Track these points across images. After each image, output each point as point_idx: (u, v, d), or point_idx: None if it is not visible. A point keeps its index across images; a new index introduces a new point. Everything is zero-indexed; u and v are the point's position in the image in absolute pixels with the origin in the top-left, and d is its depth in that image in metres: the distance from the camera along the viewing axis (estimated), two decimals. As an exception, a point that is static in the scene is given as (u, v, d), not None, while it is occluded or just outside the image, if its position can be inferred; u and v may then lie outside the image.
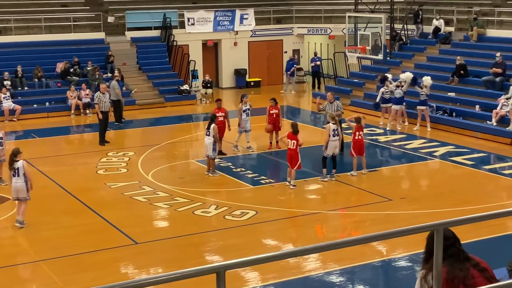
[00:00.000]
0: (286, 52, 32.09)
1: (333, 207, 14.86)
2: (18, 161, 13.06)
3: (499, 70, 22.22)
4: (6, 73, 25.62)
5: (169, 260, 11.76)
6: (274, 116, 19.12)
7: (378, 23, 24.89)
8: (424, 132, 21.46)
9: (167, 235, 13.17)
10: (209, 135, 16.67)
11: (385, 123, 22.33)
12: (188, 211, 14.21)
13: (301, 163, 15.62)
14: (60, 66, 26.92)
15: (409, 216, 13.68)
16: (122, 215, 14.19)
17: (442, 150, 19.29)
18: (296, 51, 33.03)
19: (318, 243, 3.56)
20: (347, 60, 28.23)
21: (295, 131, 15.57)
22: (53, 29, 28.56)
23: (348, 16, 26.49)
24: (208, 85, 28.43)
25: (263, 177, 16.83)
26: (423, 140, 20.61)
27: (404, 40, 28.35)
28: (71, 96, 25.26)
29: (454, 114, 22.08)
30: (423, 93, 21.52)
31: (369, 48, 25.20)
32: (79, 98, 25.31)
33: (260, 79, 31.87)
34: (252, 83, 31.54)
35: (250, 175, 17.09)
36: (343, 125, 18.29)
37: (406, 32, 28.40)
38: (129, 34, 29.33)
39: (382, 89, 22.49)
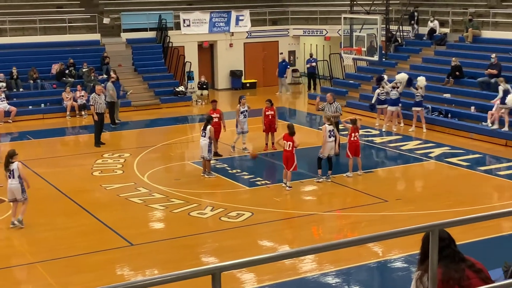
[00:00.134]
0: (282, 53, 32.12)
1: (329, 209, 14.87)
2: (13, 162, 13.07)
3: (495, 71, 22.27)
4: (1, 75, 25.57)
5: (164, 262, 11.74)
6: (270, 117, 19.12)
7: (374, 25, 24.93)
8: (419, 133, 21.49)
9: (162, 236, 13.16)
10: (204, 136, 16.66)
11: (380, 124, 22.36)
12: (183, 213, 14.20)
13: (297, 164, 15.62)
14: (55, 68, 26.88)
15: (404, 217, 13.69)
16: (118, 216, 14.17)
17: (437, 151, 19.32)
18: (291, 53, 33.07)
19: (314, 245, 3.56)
20: (343, 61, 28.26)
21: (291, 133, 15.57)
22: (48, 30, 28.52)
23: (344, 18, 26.53)
24: (204, 86, 28.42)
25: (259, 178, 16.83)
26: (418, 141, 20.64)
27: (400, 42, 28.41)
28: (67, 97, 25.23)
29: (449, 115, 22.12)
30: (418, 94, 21.56)
31: (365, 49, 25.23)
32: (75, 100, 25.27)
33: (256, 81, 31.87)
34: (247, 85, 31.55)
35: (246, 177, 17.08)
36: (340, 126, 18.30)
37: (401, 33, 28.46)
38: (125, 36, 29.31)
39: (377, 90, 22.52)
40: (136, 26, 29.63)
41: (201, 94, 28.22)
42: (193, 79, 29.86)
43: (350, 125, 16.84)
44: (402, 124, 22.29)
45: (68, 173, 17.63)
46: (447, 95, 23.43)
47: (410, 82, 22.18)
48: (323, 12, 32.46)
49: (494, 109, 20.58)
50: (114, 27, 29.71)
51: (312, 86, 30.79)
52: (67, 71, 26.76)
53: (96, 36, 28.86)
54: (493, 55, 22.76)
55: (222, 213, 14.08)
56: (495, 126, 20.29)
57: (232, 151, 19.10)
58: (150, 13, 30.04)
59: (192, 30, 30.37)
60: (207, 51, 31.43)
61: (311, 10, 32.94)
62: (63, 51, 27.67)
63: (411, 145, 20.24)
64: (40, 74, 26.48)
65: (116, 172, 17.55)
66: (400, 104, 22.01)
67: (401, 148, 19.92)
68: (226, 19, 31.00)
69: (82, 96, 25.28)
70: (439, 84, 24.17)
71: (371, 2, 27.40)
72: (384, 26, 27.17)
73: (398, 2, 30.05)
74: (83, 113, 25.11)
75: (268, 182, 16.56)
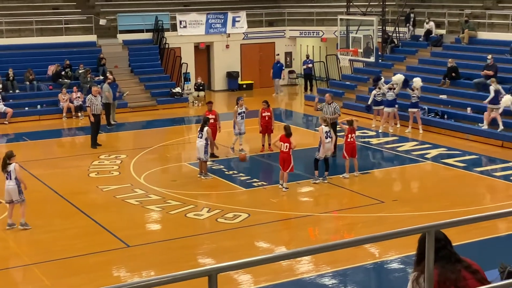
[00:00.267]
0: (278, 54, 32.14)
1: (326, 210, 14.88)
2: (11, 164, 13.08)
3: (491, 73, 22.31)
4: (-3, 76, 25.56)
5: (161, 263, 11.73)
6: (267, 118, 19.12)
7: (370, 26, 24.95)
8: (416, 134, 21.52)
9: (159, 238, 13.14)
10: (201, 138, 16.66)
11: (377, 126, 22.38)
12: (180, 214, 14.19)
13: (293, 165, 15.63)
14: (51, 69, 26.85)
15: (401, 218, 13.70)
16: (114, 218, 14.15)
17: (434, 152, 19.34)
18: (288, 54, 33.10)
19: (310, 246, 3.56)
20: (339, 62, 28.29)
21: (287, 134, 15.57)
22: (45, 31, 28.48)
23: (340, 19, 26.55)
24: (200, 87, 28.42)
25: (255, 179, 16.83)
26: (415, 142, 20.67)
27: (396, 43, 28.45)
28: (63, 99, 25.20)
29: (445, 116, 22.16)
30: (414, 95, 21.59)
31: (361, 50, 25.25)
32: (71, 101, 25.25)
33: (252, 82, 31.88)
34: (244, 86, 31.56)
35: (242, 178, 17.08)
36: (337, 127, 18.31)
37: (397, 34, 28.50)
38: (121, 37, 29.29)
39: (374, 92, 22.55)
40: (133, 28, 29.62)
41: (198, 96, 28.22)
42: (189, 81, 29.84)
43: (347, 126, 16.86)
44: (398, 125, 22.32)
45: (64, 174, 17.61)
46: (443, 96, 23.46)
47: (406, 83, 22.22)
48: (319, 13, 32.48)
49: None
50: (111, 28, 29.70)
51: (308, 88, 30.81)
52: (63, 73, 26.73)
53: (92, 38, 28.84)
54: (489, 56, 22.81)
55: (219, 214, 14.08)
56: (485, 126, 20.36)
57: (232, 153, 19.11)
58: (147, 14, 30.03)
59: (189, 31, 30.37)
60: (203, 52, 31.42)
61: (308, 12, 32.96)
62: (60, 53, 27.64)
63: (407, 146, 20.27)
64: (36, 75, 26.45)
65: (112, 173, 17.53)
66: (396, 105, 22.05)
67: (398, 149, 19.94)
68: (222, 20, 31.00)
69: (78, 97, 25.26)
70: (435, 85, 24.21)
71: (367, 3, 27.43)
72: (381, 27, 27.21)
73: (394, 3, 30.09)
74: (79, 114, 25.09)
75: (264, 183, 16.56)
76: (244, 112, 19.12)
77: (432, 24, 27.56)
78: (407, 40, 28.60)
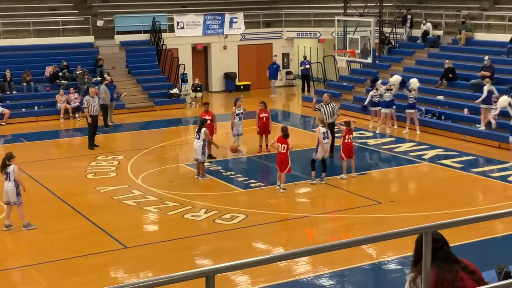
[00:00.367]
0: (275, 55, 32.16)
1: (323, 211, 14.89)
2: (10, 165, 13.09)
3: (487, 74, 22.34)
4: (-5, 77, 25.53)
5: (158, 264, 11.73)
6: (264, 119, 19.13)
7: (367, 27, 24.98)
8: (413, 135, 21.54)
9: (156, 239, 13.13)
10: (198, 139, 16.66)
11: (374, 127, 22.40)
12: (178, 215, 14.18)
13: (291, 166, 15.63)
14: (49, 70, 26.83)
15: (398, 219, 13.71)
16: (112, 219, 14.14)
17: (431, 153, 19.37)
18: (285, 55, 33.11)
19: (308, 247, 3.56)
20: (337, 63, 28.32)
21: (285, 135, 15.58)
22: (42, 33, 28.45)
23: (337, 20, 26.57)
24: (198, 88, 28.42)
25: (253, 180, 16.83)
26: (412, 143, 20.69)
27: (393, 44, 28.48)
28: (60, 100, 25.18)
29: (443, 117, 22.18)
30: (411, 96, 21.62)
31: (358, 51, 25.28)
32: (68, 102, 25.23)
33: (250, 83, 31.89)
34: (241, 87, 31.56)
35: (240, 179, 17.08)
36: (335, 128, 18.32)
37: (395, 35, 28.53)
38: (119, 38, 29.28)
39: (371, 92, 22.58)
40: (130, 29, 29.60)
41: (195, 97, 28.21)
42: (187, 82, 29.85)
43: (344, 127, 16.87)
44: (395, 126, 22.35)
45: (61, 175, 17.59)
46: (441, 97, 23.50)
47: (403, 84, 22.24)
48: (316, 14, 32.51)
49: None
50: (108, 30, 29.68)
51: (306, 88, 30.81)
52: (60, 74, 26.70)
53: (89, 39, 28.82)
54: (486, 57, 22.85)
55: (216, 215, 14.08)
56: (482, 127, 20.43)
57: (234, 154, 19.13)
58: (144, 15, 30.02)
59: (186, 32, 30.36)
60: (201, 53, 31.43)
61: (305, 13, 32.99)
62: (57, 54, 27.62)
63: (404, 147, 20.29)
64: (33, 76, 26.42)
65: (110, 174, 17.52)
66: (394, 106, 22.07)
67: (395, 150, 19.96)
68: (220, 21, 31.01)
69: (76, 98, 25.24)
70: (433, 86, 24.24)
71: (364, 4, 27.46)
72: (378, 28, 27.23)
73: (391, 4, 30.12)
74: (76, 115, 25.07)
75: (262, 184, 16.56)
76: (242, 113, 19.12)
77: (429, 25, 27.59)
78: (404, 41, 28.63)
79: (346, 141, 16.77)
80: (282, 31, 32.84)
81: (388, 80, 23.13)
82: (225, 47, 31.48)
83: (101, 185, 16.42)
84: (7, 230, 13.29)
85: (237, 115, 19.03)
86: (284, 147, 15.50)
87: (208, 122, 18.13)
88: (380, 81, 22.85)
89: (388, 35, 28.32)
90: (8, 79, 25.78)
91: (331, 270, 11.24)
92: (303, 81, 31.08)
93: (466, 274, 4.34)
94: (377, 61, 26.81)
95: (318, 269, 11.29)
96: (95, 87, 22.26)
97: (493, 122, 20.13)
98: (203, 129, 16.71)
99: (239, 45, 31.85)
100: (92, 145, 20.16)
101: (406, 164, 18.63)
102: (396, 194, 16.28)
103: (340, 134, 17.52)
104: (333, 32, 28.10)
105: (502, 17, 26.45)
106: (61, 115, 25.00)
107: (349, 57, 26.02)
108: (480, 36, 26.18)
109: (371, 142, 21.01)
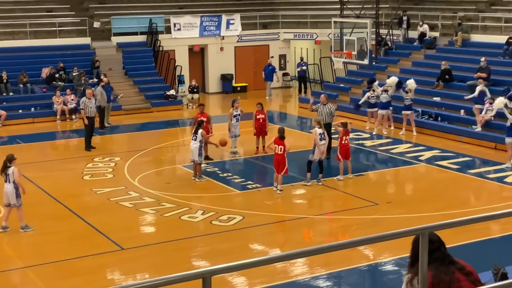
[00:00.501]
0: (272, 57, 32.16)
1: (320, 212, 14.90)
2: (10, 167, 13.11)
3: (484, 75, 22.39)
4: (-9, 79, 25.48)
5: (155, 266, 11.72)
6: (261, 121, 19.13)
7: (364, 28, 25.01)
8: (409, 136, 21.57)
9: (153, 240, 13.13)
10: (195, 140, 16.66)
11: (371, 128, 22.42)
12: (174, 216, 14.18)
13: (288, 168, 15.64)
14: (45, 72, 26.79)
15: (395, 220, 13.73)
16: (108, 220, 14.13)
17: (427, 154, 19.39)
18: (282, 56, 33.13)
19: (305, 248, 3.57)
20: (333, 65, 28.34)
21: (280, 137, 15.58)
22: (39, 34, 28.42)
23: (334, 22, 26.59)
24: (195, 90, 28.42)
25: (250, 182, 16.83)
26: (409, 145, 20.71)
27: (390, 45, 28.52)
28: (57, 101, 25.15)
29: (439, 119, 22.22)
30: (407, 97, 21.65)
31: (355, 53, 25.31)
32: (65, 104, 25.20)
33: (247, 84, 31.90)
34: (238, 88, 31.57)
35: (236, 180, 17.08)
36: (331, 129, 18.34)
37: (391, 37, 28.57)
38: (115, 39, 29.26)
39: (368, 94, 22.61)
40: (127, 30, 29.58)
41: (192, 98, 28.21)
42: (183, 83, 29.84)
43: (341, 129, 16.88)
44: (392, 128, 22.37)
45: (58, 177, 17.57)
46: (437, 99, 23.53)
47: (399, 85, 22.27)
48: (313, 16, 32.53)
49: (483, 112, 20.70)
50: (105, 31, 29.66)
51: (302, 90, 30.84)
52: (57, 75, 26.67)
53: (86, 40, 28.80)
54: (483, 59, 22.89)
55: (213, 217, 14.07)
56: (478, 129, 20.51)
57: (232, 156, 19.12)
58: (141, 17, 30.01)
59: (183, 34, 30.35)
60: (197, 55, 31.43)
61: (302, 14, 33.00)
62: (53, 55, 27.58)
63: (401, 148, 20.31)
64: (30, 78, 26.38)
65: (106, 176, 17.50)
66: (390, 108, 22.09)
67: (392, 151, 19.98)
68: (216, 23, 31.01)
69: (72, 100, 25.22)
70: (429, 87, 24.27)
71: (361, 6, 27.49)
72: (374, 30, 27.27)
73: (388, 6, 30.17)
74: (73, 117, 25.05)
75: (259, 185, 16.56)
76: (239, 114, 19.12)
77: (426, 27, 27.63)
78: (401, 42, 28.67)
79: (343, 142, 16.78)
80: (279, 33, 32.87)
81: (385, 81, 23.15)
82: (222, 49, 31.49)
83: (97, 187, 16.41)
84: (3, 231, 13.27)
85: (234, 116, 19.03)
86: (281, 148, 15.50)
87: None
88: (377, 82, 22.88)
89: (384, 36, 28.36)
90: (5, 80, 25.74)
91: (328, 271, 11.25)
92: (300, 82, 31.10)
93: (462, 275, 4.35)
94: (374, 63, 26.84)
95: (315, 270, 11.30)
96: (91, 88, 22.25)
97: (479, 125, 20.37)
98: (200, 131, 16.71)
99: (236, 46, 31.86)
100: (88, 146, 20.14)
101: (402, 165, 18.64)
102: (393, 195, 16.30)
103: (337, 136, 17.54)
104: (329, 33, 28.12)
105: (498, 18, 26.50)
106: (58, 117, 24.97)
107: (345, 58, 26.05)
108: (476, 37, 26.23)
109: (368, 143, 21.02)
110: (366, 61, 25.33)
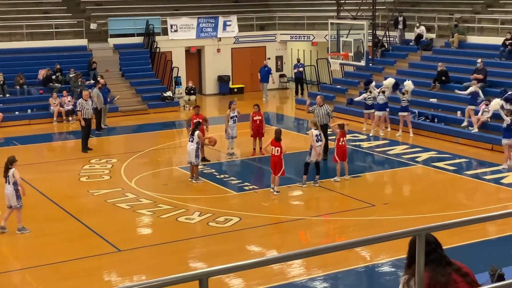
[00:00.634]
0: (269, 58, 32.17)
1: (317, 213, 14.90)
2: (11, 169, 13.12)
3: (480, 76, 22.44)
4: (-12, 80, 25.43)
5: (152, 267, 11.71)
6: (258, 122, 19.13)
7: (360, 30, 25.01)
8: (406, 138, 21.59)
9: (150, 242, 13.12)
10: (192, 142, 16.66)
11: (368, 129, 22.44)
12: (171, 218, 14.16)
13: (284, 169, 15.64)
14: (42, 73, 26.75)
15: (391, 221, 13.74)
16: (105, 222, 14.11)
17: (424, 155, 19.41)
18: (279, 58, 33.14)
19: (302, 249, 3.57)
20: (330, 66, 28.35)
21: (277, 138, 15.59)
22: (35, 36, 28.39)
23: (331, 23, 26.60)
24: (192, 91, 28.41)
25: (246, 183, 16.83)
26: (405, 146, 20.73)
27: (386, 47, 28.55)
28: (54, 103, 25.13)
29: (436, 120, 22.24)
30: (404, 99, 21.68)
31: (352, 54, 25.31)
32: (61, 105, 25.18)
33: (243, 86, 31.90)
34: (235, 90, 31.57)
35: (233, 182, 17.08)
36: (328, 131, 18.35)
37: (388, 38, 28.60)
38: (112, 41, 29.24)
39: (364, 95, 22.62)
40: (123, 32, 29.57)
41: (189, 99, 28.19)
42: (180, 84, 29.83)
43: (338, 130, 16.89)
44: (389, 129, 22.39)
45: (55, 179, 17.55)
46: (434, 100, 23.57)
47: (396, 86, 22.29)
48: (310, 17, 32.55)
49: (480, 113, 20.74)
50: (101, 33, 29.64)
51: (299, 91, 30.86)
52: (53, 77, 26.65)
53: (83, 42, 28.78)
54: (479, 60, 22.94)
55: (210, 218, 14.07)
56: (475, 130, 20.56)
57: (234, 157, 19.12)
58: (138, 18, 30.00)
59: (180, 35, 30.35)
60: (194, 56, 31.42)
61: (299, 16, 33.03)
62: (50, 57, 27.56)
63: (398, 149, 20.32)
64: (26, 79, 26.34)
65: (103, 177, 17.49)
66: (387, 109, 22.11)
67: (388, 152, 19.99)
68: (213, 24, 31.02)
69: (69, 101, 25.19)
70: (426, 89, 24.31)
71: (357, 7, 27.53)
72: (371, 31, 27.30)
73: (385, 7, 30.21)
74: (70, 118, 25.02)
75: (256, 187, 16.56)
76: (236, 116, 19.12)
77: (423, 28, 27.67)
78: (397, 44, 28.71)
79: (340, 143, 16.79)
80: (275, 34, 32.88)
81: (381, 83, 23.17)
82: (218, 50, 31.49)
83: (94, 188, 16.39)
84: (1, 231, 13.25)
85: (231, 118, 19.02)
86: (277, 150, 15.51)
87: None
88: (373, 83, 22.91)
89: (381, 38, 28.39)
90: (1, 82, 25.71)
91: (325, 273, 11.25)
92: (297, 84, 31.11)
93: (459, 276, 4.36)
94: (371, 64, 26.86)
95: (312, 271, 11.30)
96: (88, 90, 22.23)
97: (475, 125, 20.47)
98: (197, 132, 16.71)
99: (233, 48, 31.86)
100: (85, 148, 20.12)
101: (399, 166, 18.66)
102: (390, 196, 16.31)
103: (334, 137, 17.55)
104: (326, 35, 28.13)
105: (495, 20, 26.55)
106: (55, 118, 24.94)
107: (342, 60, 26.06)
108: (472, 39, 26.28)
109: (365, 144, 21.04)
110: (362, 63, 25.34)
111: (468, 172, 17.81)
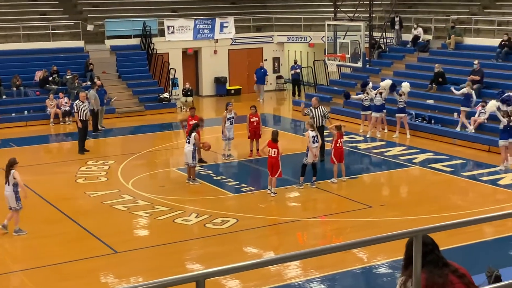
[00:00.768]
0: (266, 60, 32.18)
1: (314, 215, 14.89)
2: (11, 170, 13.13)
3: (477, 78, 22.47)
4: (-16, 82, 25.39)
5: (149, 269, 11.70)
6: (255, 124, 19.14)
7: (357, 31, 25.06)
8: (403, 139, 21.61)
9: (147, 243, 13.11)
10: (189, 143, 16.65)
11: (365, 131, 22.45)
12: (168, 220, 14.15)
13: (281, 171, 15.64)
14: (38, 75, 26.73)
15: (389, 222, 13.74)
16: (102, 224, 14.09)
17: (421, 157, 19.43)
18: (276, 59, 33.15)
19: (299, 251, 3.56)
20: (327, 67, 28.38)
21: (273, 139, 15.59)
22: (32, 37, 28.36)
23: (328, 24, 26.64)
24: (188, 93, 28.40)
25: (243, 185, 16.83)
26: (402, 147, 20.75)
27: (383, 48, 28.58)
28: (50, 104, 25.10)
29: (432, 121, 22.27)
30: (401, 100, 21.69)
31: (349, 56, 25.35)
32: (58, 107, 25.15)
33: (240, 87, 31.91)
34: (232, 91, 31.57)
35: (230, 183, 17.07)
36: (325, 132, 18.36)
37: (385, 40, 28.64)
38: (109, 42, 29.22)
39: (361, 96, 22.64)
40: (120, 33, 29.56)
41: (186, 101, 28.18)
42: (177, 86, 29.83)
43: (335, 132, 16.90)
44: (386, 130, 22.41)
45: (52, 180, 17.52)
46: (430, 101, 23.59)
47: (393, 88, 22.31)
48: (307, 19, 32.57)
49: (476, 115, 20.77)
50: (98, 34, 29.62)
51: (296, 93, 30.87)
52: (50, 78, 26.62)
53: (80, 43, 28.76)
54: (476, 62, 22.97)
55: (207, 220, 14.06)
56: (472, 131, 20.60)
57: (230, 158, 19.11)
58: (134, 20, 29.98)
59: (177, 37, 30.35)
60: (191, 58, 31.42)
61: (295, 17, 33.04)
62: (47, 58, 27.52)
63: (395, 151, 20.34)
64: (23, 81, 26.31)
65: (100, 179, 17.47)
66: (384, 110, 22.13)
67: (385, 154, 20.00)
68: (210, 26, 31.02)
69: (66, 103, 25.17)
70: (422, 90, 24.33)
71: (354, 9, 27.56)
72: (368, 33, 27.32)
73: (381, 9, 30.25)
74: (67, 120, 24.99)
75: (253, 188, 16.56)
76: (233, 117, 19.12)
77: (420, 30, 27.71)
78: (394, 45, 28.74)
79: (337, 145, 16.79)
80: (272, 36, 32.89)
81: (378, 84, 23.20)
82: (215, 52, 31.49)
83: (91, 190, 16.37)
84: (2, 229, 13.27)
85: (228, 119, 19.02)
86: (274, 151, 15.51)
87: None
88: (370, 85, 22.93)
89: (378, 39, 28.42)
90: (-2, 83, 25.68)
91: (322, 274, 11.25)
92: (294, 85, 31.14)
93: (456, 277, 4.35)
94: (367, 65, 26.89)
95: (309, 273, 11.30)
96: (85, 91, 22.21)
97: (469, 126, 20.54)
98: (193, 134, 16.70)
99: (230, 49, 31.86)
100: (82, 149, 20.09)
101: (396, 168, 18.67)
102: (387, 198, 16.31)
103: (331, 138, 17.56)
104: (323, 36, 28.16)
105: (491, 21, 26.60)
106: (51, 120, 24.91)
107: (339, 61, 26.09)
108: (469, 40, 26.32)
109: (362, 146, 21.05)
110: (359, 64, 25.38)
111: (465, 174, 17.83)
